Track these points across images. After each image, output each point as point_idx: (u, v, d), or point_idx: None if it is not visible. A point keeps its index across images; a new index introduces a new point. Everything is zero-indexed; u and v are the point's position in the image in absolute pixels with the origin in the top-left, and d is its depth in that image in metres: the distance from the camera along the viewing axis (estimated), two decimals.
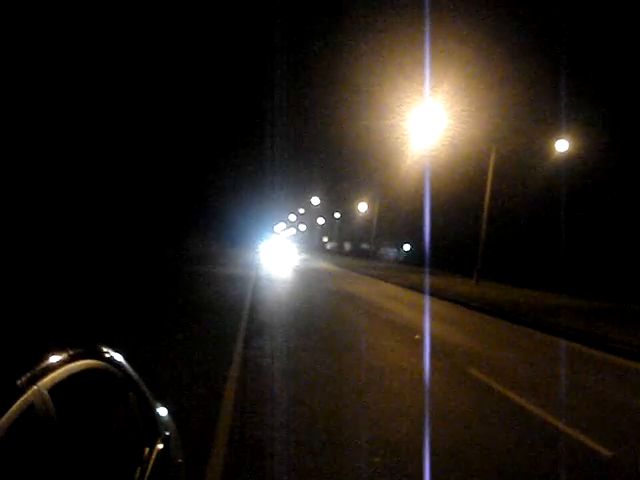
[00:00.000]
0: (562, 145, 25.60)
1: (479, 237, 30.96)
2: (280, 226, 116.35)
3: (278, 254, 48.82)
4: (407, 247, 49.01)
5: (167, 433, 3.14)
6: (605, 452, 6.54)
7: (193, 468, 5.08)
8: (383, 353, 11.84)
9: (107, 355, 2.67)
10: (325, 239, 78.57)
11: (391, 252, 55.10)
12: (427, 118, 25.53)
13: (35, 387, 1.85)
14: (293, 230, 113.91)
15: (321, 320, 16.10)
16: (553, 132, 26.05)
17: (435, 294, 25.27)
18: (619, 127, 25.52)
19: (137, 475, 2.49)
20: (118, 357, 2.80)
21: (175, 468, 3.14)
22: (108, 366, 2.61)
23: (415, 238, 40.71)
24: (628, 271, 25.10)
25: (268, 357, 10.31)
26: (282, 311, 17.15)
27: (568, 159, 26.11)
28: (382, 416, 7.40)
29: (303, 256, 53.52)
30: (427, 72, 23.07)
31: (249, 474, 5.33)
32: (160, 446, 2.90)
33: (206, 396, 7.59)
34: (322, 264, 44.72)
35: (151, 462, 2.67)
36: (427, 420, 7.31)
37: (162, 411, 3.37)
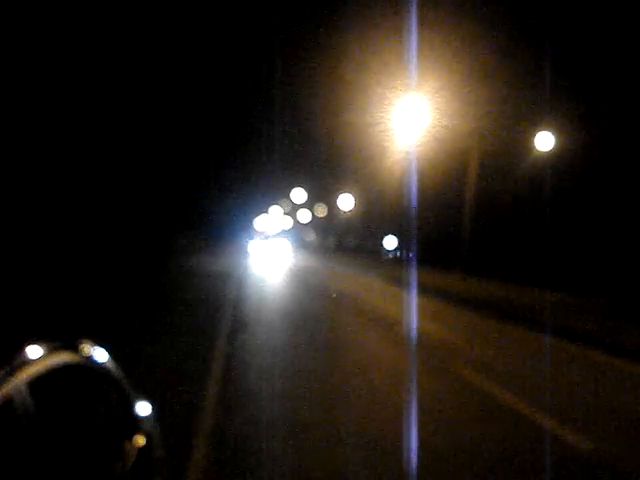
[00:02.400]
0: (546, 140, 25.70)
1: (463, 232, 31.12)
2: (263, 220, 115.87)
3: (271, 255, 43.60)
4: (393, 243, 48.96)
5: (148, 428, 3.13)
6: (585, 446, 6.58)
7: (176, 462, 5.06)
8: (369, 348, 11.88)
9: (87, 350, 2.64)
10: (309, 235, 78.41)
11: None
12: (411, 113, 25.52)
13: (13, 381, 1.82)
14: (277, 225, 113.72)
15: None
16: (537, 127, 26.11)
17: (420, 289, 25.32)
18: (603, 122, 25.66)
19: (117, 470, 2.47)
20: (99, 351, 2.78)
21: (156, 463, 3.13)
22: (88, 361, 2.59)
23: (400, 234, 40.75)
24: (615, 267, 25.30)
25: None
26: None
27: (552, 154, 26.21)
28: (365, 411, 7.42)
29: (296, 255, 48.53)
30: (411, 67, 23.08)
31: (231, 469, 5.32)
32: (141, 441, 2.88)
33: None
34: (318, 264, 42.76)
35: (131, 457, 2.66)
36: (410, 415, 7.33)
37: (144, 406, 3.35)
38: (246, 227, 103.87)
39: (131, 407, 2.96)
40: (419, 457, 5.88)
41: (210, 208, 58.17)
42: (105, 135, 25.53)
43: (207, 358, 9.58)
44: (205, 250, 52.76)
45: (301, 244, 75.37)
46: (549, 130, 25.73)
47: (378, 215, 50.46)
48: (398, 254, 41.20)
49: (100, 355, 2.77)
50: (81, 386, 2.53)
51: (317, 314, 16.97)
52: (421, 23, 21.86)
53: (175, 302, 17.21)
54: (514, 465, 5.94)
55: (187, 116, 36.59)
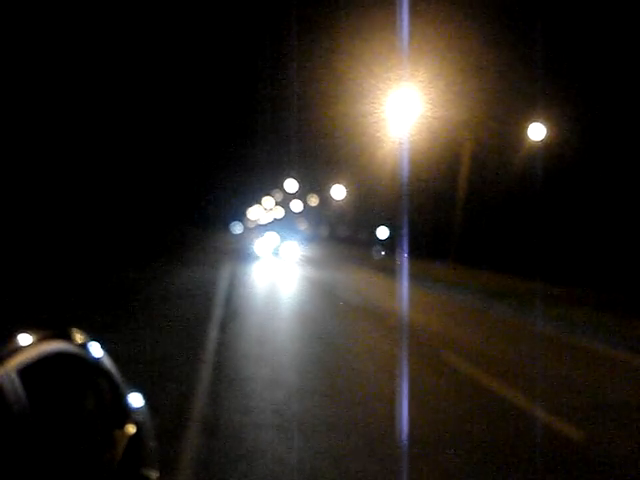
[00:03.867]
0: (538, 131, 25.73)
1: (455, 223, 31.14)
2: (255, 210, 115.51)
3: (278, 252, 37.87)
4: (385, 234, 48.90)
5: (139, 418, 3.13)
6: (577, 436, 6.64)
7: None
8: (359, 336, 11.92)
9: (78, 338, 2.64)
10: (301, 225, 78.19)
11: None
12: (404, 104, 25.48)
13: (3, 368, 1.82)
14: (269, 215, 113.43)
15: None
16: (530, 118, 26.13)
17: (411, 279, 25.40)
18: (594, 112, 25.73)
19: (107, 458, 2.47)
20: (89, 340, 2.77)
21: (147, 452, 3.14)
22: (79, 349, 2.59)
23: (393, 224, 40.73)
24: (607, 258, 25.44)
25: None
26: None
27: (545, 145, 26.25)
28: (356, 399, 7.45)
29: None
30: (404, 58, 23.03)
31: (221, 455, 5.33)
32: (131, 430, 2.88)
33: None
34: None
35: (122, 445, 2.66)
36: (400, 402, 7.36)
37: (135, 396, 3.36)
38: (239, 217, 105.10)
39: (121, 396, 2.96)
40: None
41: (205, 201, 58.34)
42: (98, 130, 25.51)
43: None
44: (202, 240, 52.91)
45: (293, 234, 74.42)
46: (541, 121, 25.75)
47: (370, 206, 50.48)
48: (385, 253, 40.90)
49: (91, 344, 2.77)
50: (72, 374, 2.53)
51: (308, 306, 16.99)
52: (414, 14, 21.80)
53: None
54: (501, 448, 5.99)
55: (180, 110, 36.51)
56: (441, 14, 25.07)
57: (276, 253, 36.14)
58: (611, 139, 25.92)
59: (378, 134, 29.22)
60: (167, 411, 6.28)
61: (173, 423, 5.99)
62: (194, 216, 55.59)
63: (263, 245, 37.20)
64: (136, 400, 3.34)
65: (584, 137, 25.75)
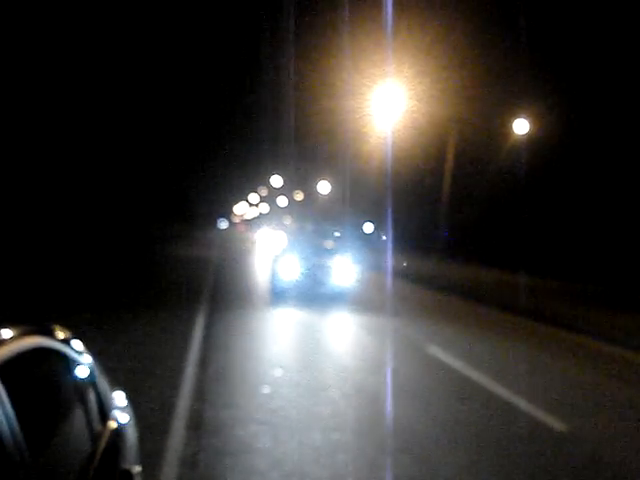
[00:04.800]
0: (522, 126, 25.84)
1: (440, 217, 31.27)
2: (241, 206, 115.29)
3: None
4: (370, 228, 48.91)
5: (120, 411, 3.13)
6: (560, 427, 6.69)
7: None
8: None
9: (59, 334, 2.63)
10: (287, 221, 77.99)
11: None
12: (389, 100, 25.47)
13: None
14: (255, 210, 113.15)
15: None
16: (514, 113, 26.22)
17: (396, 274, 25.45)
18: (578, 107, 25.87)
19: (88, 453, 2.46)
20: (70, 336, 2.76)
21: (128, 447, 3.13)
22: (60, 345, 2.58)
23: (379, 219, 40.80)
24: (591, 251, 25.62)
25: None
26: None
27: (529, 140, 26.37)
28: (340, 393, 7.46)
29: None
30: (389, 54, 23.06)
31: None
32: (113, 425, 2.87)
33: None
34: None
35: (103, 441, 2.65)
36: (385, 397, 7.38)
37: (117, 393, 3.35)
38: (225, 213, 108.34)
39: (103, 391, 2.95)
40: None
41: (191, 197, 58.41)
42: (82, 125, 25.37)
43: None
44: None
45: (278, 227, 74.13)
46: (526, 116, 25.87)
47: (356, 201, 50.44)
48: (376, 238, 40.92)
49: (71, 338, 2.76)
50: (52, 370, 2.51)
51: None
52: (399, 10, 21.83)
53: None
54: (489, 443, 6.02)
55: (167, 107, 36.27)
56: (426, 11, 25.12)
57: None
58: (595, 132, 26.09)
59: (364, 129, 29.22)
60: None
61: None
62: (181, 212, 55.61)
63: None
64: (119, 397, 3.33)
65: (568, 130, 25.90)
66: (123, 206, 32.30)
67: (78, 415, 2.60)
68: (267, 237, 31.56)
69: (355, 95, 26.37)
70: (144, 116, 33.08)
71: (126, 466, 2.90)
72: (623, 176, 25.10)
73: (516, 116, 25.94)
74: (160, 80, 33.93)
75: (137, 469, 3.12)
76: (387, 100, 25.44)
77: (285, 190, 78.21)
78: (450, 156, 30.23)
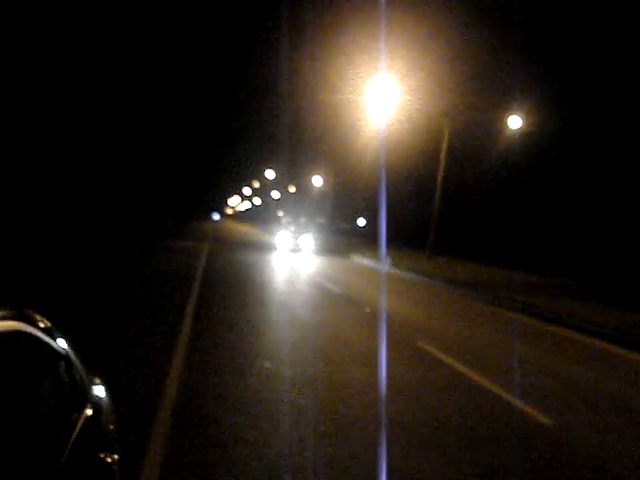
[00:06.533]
0: (515, 121, 25.86)
1: (433, 212, 31.24)
2: (234, 199, 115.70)
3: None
4: (362, 222, 49.01)
5: (98, 400, 3.07)
6: (547, 421, 6.70)
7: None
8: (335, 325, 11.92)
9: (35, 319, 2.58)
10: (280, 213, 77.88)
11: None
12: (382, 93, 25.43)
13: None
14: (247, 203, 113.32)
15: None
16: (507, 108, 26.24)
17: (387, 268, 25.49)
18: (572, 103, 25.91)
19: (61, 439, 2.41)
20: (47, 322, 2.71)
21: (105, 434, 3.08)
22: (35, 330, 2.53)
23: (371, 213, 40.79)
24: (585, 247, 25.71)
25: None
26: None
27: (521, 135, 26.38)
28: (331, 388, 7.43)
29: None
30: (383, 48, 22.99)
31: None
32: (89, 412, 2.82)
33: None
34: None
35: (77, 428, 2.60)
36: (378, 393, 7.35)
37: (95, 380, 3.29)
38: (219, 206, 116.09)
39: (79, 378, 2.90)
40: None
41: (186, 191, 58.75)
42: (74, 126, 25.33)
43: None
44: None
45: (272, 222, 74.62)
46: (519, 111, 25.88)
47: (349, 195, 50.47)
48: (368, 233, 40.94)
49: (47, 324, 2.71)
50: (26, 355, 2.46)
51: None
52: (393, 5, 21.79)
53: None
54: (478, 438, 6.01)
55: (162, 105, 36.06)
56: (420, 6, 25.09)
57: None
58: (588, 127, 26.15)
59: (358, 123, 29.20)
60: None
61: None
62: (177, 206, 56.02)
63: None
64: (98, 386, 3.28)
65: (562, 125, 25.95)
66: (122, 203, 32.53)
67: (52, 401, 2.55)
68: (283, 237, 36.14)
69: (350, 89, 26.35)
70: (141, 114, 33.03)
71: (102, 454, 2.85)
72: (616, 171, 25.17)
73: (510, 111, 25.97)
74: (152, 79, 33.77)
75: (115, 457, 3.07)
76: (380, 94, 25.41)
77: (278, 184, 78.19)
78: (444, 150, 30.22)
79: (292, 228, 36.55)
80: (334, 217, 55.63)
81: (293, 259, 29.13)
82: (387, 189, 27.78)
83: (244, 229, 71.17)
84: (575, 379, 8.94)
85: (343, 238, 46.34)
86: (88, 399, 2.92)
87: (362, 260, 30.56)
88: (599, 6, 23.66)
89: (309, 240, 35.61)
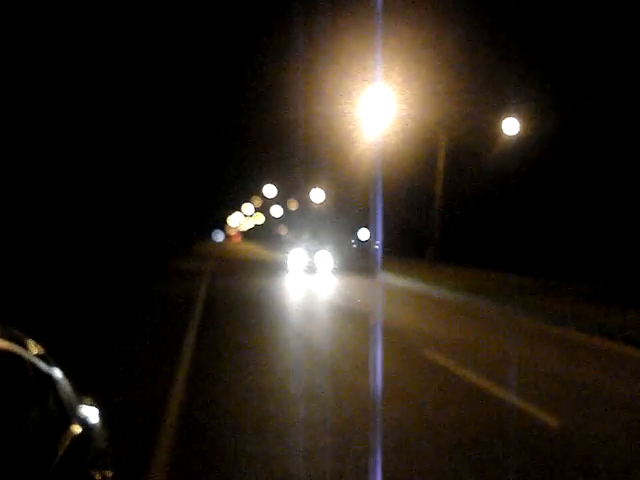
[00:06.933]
0: (512, 127, 25.87)
1: (431, 220, 31.29)
2: (235, 217, 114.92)
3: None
4: (365, 235, 48.98)
5: (86, 419, 3.02)
6: (553, 423, 6.62)
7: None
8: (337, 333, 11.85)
9: (19, 338, 2.56)
10: (283, 231, 77.80)
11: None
12: (378, 104, 25.46)
13: None
14: (249, 221, 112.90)
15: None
16: (503, 115, 26.25)
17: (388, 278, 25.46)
18: (568, 108, 25.90)
19: (45, 457, 2.37)
20: (32, 341, 2.70)
21: (96, 452, 3.03)
22: (20, 349, 2.50)
23: (370, 224, 40.82)
24: (585, 250, 25.63)
25: None
26: None
27: (519, 140, 26.38)
28: (333, 396, 7.36)
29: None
30: (378, 58, 23.04)
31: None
32: (77, 430, 2.77)
33: None
34: None
35: (64, 445, 2.56)
36: (378, 400, 7.28)
37: (85, 399, 3.24)
38: (220, 225, 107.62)
39: (66, 396, 2.86)
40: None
41: (185, 211, 58.71)
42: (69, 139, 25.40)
43: None
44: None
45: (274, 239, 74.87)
46: (515, 115, 25.94)
47: (349, 207, 50.46)
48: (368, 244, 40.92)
49: (32, 343, 2.68)
50: (11, 374, 2.43)
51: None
52: (388, 14, 21.83)
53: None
54: (482, 443, 5.93)
55: (158, 117, 36.08)
56: (415, 14, 25.12)
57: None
58: (585, 132, 26.14)
59: (353, 134, 29.23)
60: None
61: None
62: (175, 226, 55.72)
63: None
64: (88, 406, 3.21)
65: (558, 130, 25.94)
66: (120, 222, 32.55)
67: (38, 420, 2.51)
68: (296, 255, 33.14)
69: (344, 100, 26.41)
70: (141, 124, 33.06)
71: (92, 472, 2.79)
72: (614, 175, 25.15)
73: (506, 116, 26.00)
74: (153, 97, 33.84)
75: (108, 474, 3.01)
76: (376, 104, 25.45)
77: (279, 199, 78.22)
78: (441, 158, 30.26)
79: (306, 245, 33.35)
80: (348, 231, 55.23)
81: (312, 283, 24.97)
82: (385, 199, 27.80)
83: (249, 247, 71.35)
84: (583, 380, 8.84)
85: (358, 252, 45.86)
86: (76, 417, 2.87)
87: (396, 281, 25.81)
88: (597, 11, 23.73)
89: (326, 257, 32.54)
